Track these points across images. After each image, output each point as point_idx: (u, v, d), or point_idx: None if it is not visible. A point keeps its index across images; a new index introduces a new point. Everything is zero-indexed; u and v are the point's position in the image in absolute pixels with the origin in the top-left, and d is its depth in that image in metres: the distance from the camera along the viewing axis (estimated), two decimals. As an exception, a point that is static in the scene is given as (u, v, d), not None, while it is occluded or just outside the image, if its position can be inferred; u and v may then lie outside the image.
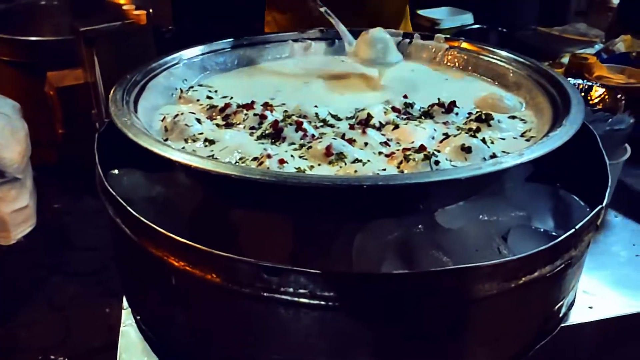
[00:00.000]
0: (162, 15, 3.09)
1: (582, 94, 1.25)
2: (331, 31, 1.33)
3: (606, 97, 1.32)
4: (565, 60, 1.78)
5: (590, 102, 1.30)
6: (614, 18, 2.43)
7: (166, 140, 0.96)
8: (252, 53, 1.29)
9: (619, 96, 1.36)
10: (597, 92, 1.32)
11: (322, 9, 1.27)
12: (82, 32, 2.01)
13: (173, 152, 0.81)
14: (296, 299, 0.71)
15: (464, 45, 1.27)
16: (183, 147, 0.93)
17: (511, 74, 1.16)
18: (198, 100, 1.11)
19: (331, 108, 1.07)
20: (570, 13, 3.97)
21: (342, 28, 1.27)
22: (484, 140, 0.92)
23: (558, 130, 0.87)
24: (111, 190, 0.84)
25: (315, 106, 1.07)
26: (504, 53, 1.20)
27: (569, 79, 1.20)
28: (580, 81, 1.40)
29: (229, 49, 1.26)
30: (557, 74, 1.08)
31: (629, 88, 1.60)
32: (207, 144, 0.95)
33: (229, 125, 1.02)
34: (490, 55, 1.22)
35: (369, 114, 1.02)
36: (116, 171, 0.95)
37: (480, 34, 3.18)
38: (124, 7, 2.17)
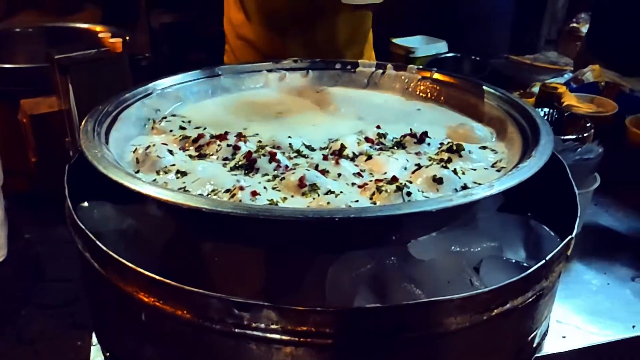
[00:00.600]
0: (138, 43, 3.08)
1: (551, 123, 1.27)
2: (305, 62, 1.35)
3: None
4: (536, 89, 1.82)
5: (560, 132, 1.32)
6: (582, 47, 2.49)
7: (137, 172, 0.95)
8: (226, 83, 1.29)
9: (588, 125, 1.39)
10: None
11: None
12: (57, 60, 1.98)
13: (143, 185, 0.80)
14: (268, 334, 0.71)
15: (436, 75, 1.28)
16: (154, 180, 0.93)
17: (482, 105, 1.17)
18: (171, 130, 1.10)
19: (305, 138, 1.08)
20: (540, 41, 4.06)
21: None
22: (455, 171, 0.93)
23: (528, 161, 0.89)
24: (80, 223, 0.83)
25: (289, 136, 1.07)
26: (475, 84, 1.21)
27: (538, 109, 1.23)
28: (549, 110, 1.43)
29: (202, 79, 1.26)
30: (526, 104, 1.10)
31: (598, 117, 1.64)
32: (179, 175, 0.94)
33: (201, 156, 1.01)
34: (462, 86, 1.24)
35: (342, 145, 1.03)
36: (86, 204, 0.94)
37: (454, 62, 3.23)
38: (100, 35, 2.15)
